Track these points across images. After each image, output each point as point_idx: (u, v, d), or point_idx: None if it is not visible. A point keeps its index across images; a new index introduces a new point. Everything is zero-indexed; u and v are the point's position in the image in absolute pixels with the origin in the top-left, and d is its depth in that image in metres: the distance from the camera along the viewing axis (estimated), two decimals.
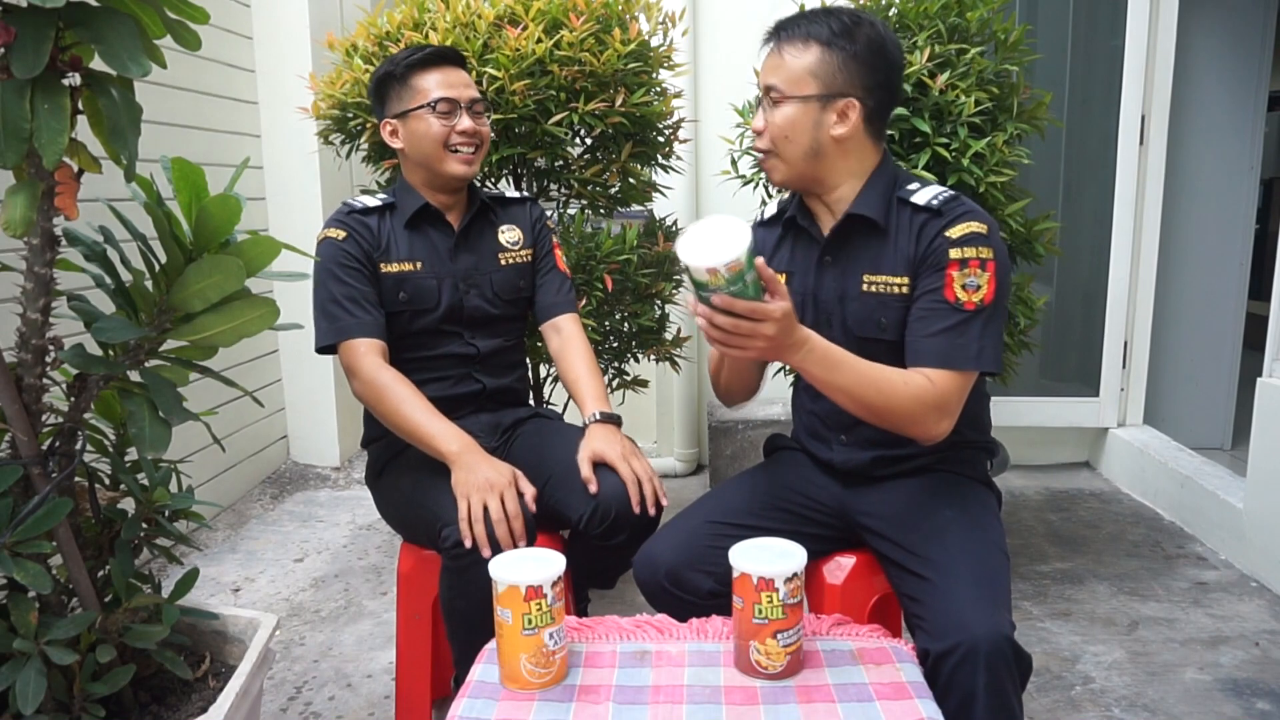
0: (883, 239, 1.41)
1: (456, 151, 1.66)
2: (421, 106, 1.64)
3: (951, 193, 1.39)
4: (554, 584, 1.14)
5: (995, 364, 1.34)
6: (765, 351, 1.21)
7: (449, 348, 1.73)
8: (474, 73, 1.95)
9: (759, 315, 1.17)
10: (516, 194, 1.87)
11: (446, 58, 1.67)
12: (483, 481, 1.43)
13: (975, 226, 1.34)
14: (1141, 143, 3.21)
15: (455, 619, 1.49)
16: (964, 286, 1.32)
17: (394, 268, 1.68)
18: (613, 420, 1.64)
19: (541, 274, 1.84)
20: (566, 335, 1.79)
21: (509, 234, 1.81)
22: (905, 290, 1.38)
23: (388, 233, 1.70)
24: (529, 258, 1.83)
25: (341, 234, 1.66)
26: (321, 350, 1.63)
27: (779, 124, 1.38)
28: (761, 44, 1.42)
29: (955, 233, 1.34)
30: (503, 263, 1.78)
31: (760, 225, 1.60)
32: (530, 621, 1.12)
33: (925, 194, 1.39)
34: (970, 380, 1.34)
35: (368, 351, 1.59)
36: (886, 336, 1.40)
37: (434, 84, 1.64)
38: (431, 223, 1.73)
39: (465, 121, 1.65)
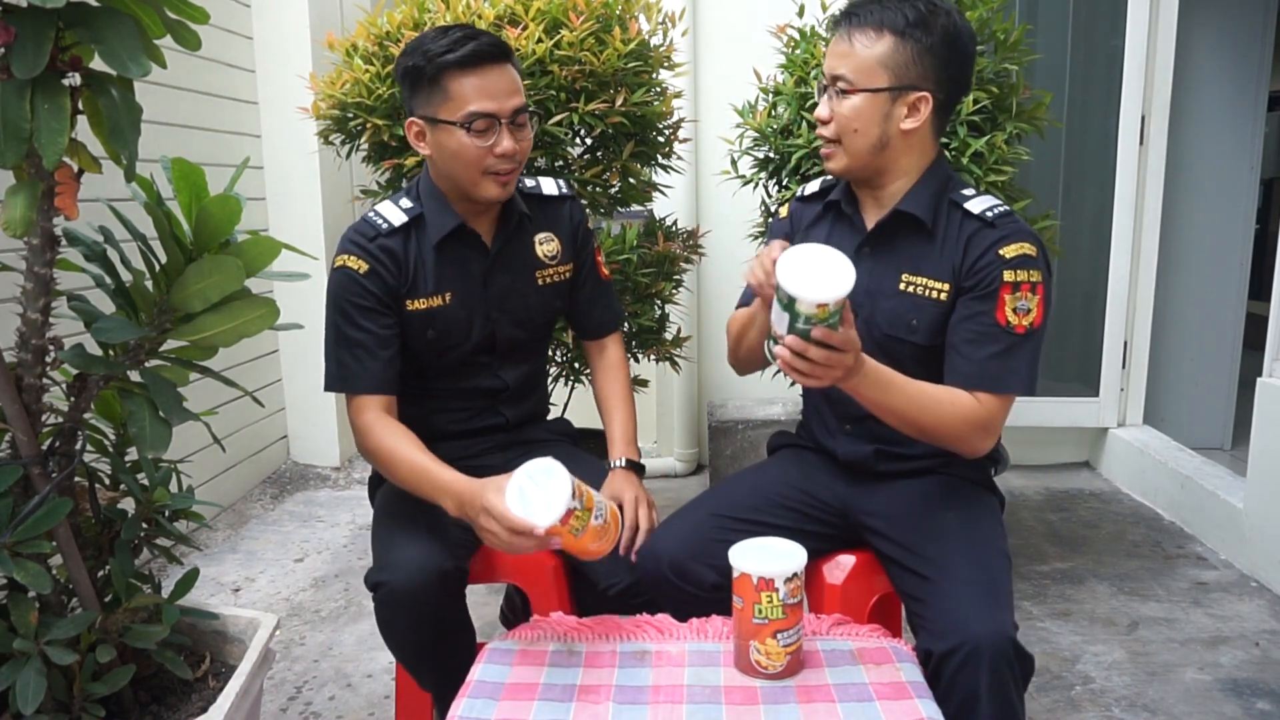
0: (928, 240, 1.39)
1: (494, 173, 1.44)
2: (453, 122, 1.40)
3: (1006, 207, 1.38)
4: (572, 498, 1.13)
5: (1034, 387, 1.35)
6: (838, 379, 1.19)
7: (476, 381, 1.60)
8: None
9: (847, 346, 1.15)
10: (555, 190, 1.65)
11: (490, 56, 1.40)
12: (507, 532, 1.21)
13: (1027, 248, 1.34)
14: (1141, 143, 3.21)
15: (397, 655, 1.46)
16: (1015, 310, 1.33)
17: (421, 304, 1.50)
18: (637, 469, 1.59)
19: (586, 289, 1.68)
20: (609, 356, 1.71)
21: (547, 245, 1.61)
22: (944, 297, 1.37)
23: (414, 259, 1.50)
24: (568, 274, 1.65)
25: (364, 266, 1.45)
26: (331, 391, 1.53)
27: (847, 115, 1.34)
28: (829, 28, 1.38)
29: (1008, 252, 1.33)
30: (540, 283, 1.60)
31: (799, 200, 1.58)
32: (576, 530, 1.16)
33: (980, 203, 1.38)
34: (1013, 400, 1.36)
35: (373, 407, 1.46)
36: (915, 339, 1.38)
37: (471, 92, 1.38)
38: (464, 240, 1.54)
39: (505, 142, 1.41)
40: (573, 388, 2.42)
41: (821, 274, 1.10)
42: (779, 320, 1.14)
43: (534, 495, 1.17)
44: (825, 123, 1.38)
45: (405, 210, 1.52)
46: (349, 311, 1.46)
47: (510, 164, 1.44)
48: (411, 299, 1.50)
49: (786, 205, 1.61)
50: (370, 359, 1.46)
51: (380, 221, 1.50)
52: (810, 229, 1.53)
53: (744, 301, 1.59)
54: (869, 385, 1.25)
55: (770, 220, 1.64)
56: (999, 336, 1.33)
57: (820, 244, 1.15)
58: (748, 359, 1.54)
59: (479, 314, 1.55)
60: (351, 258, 1.46)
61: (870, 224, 1.44)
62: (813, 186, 1.57)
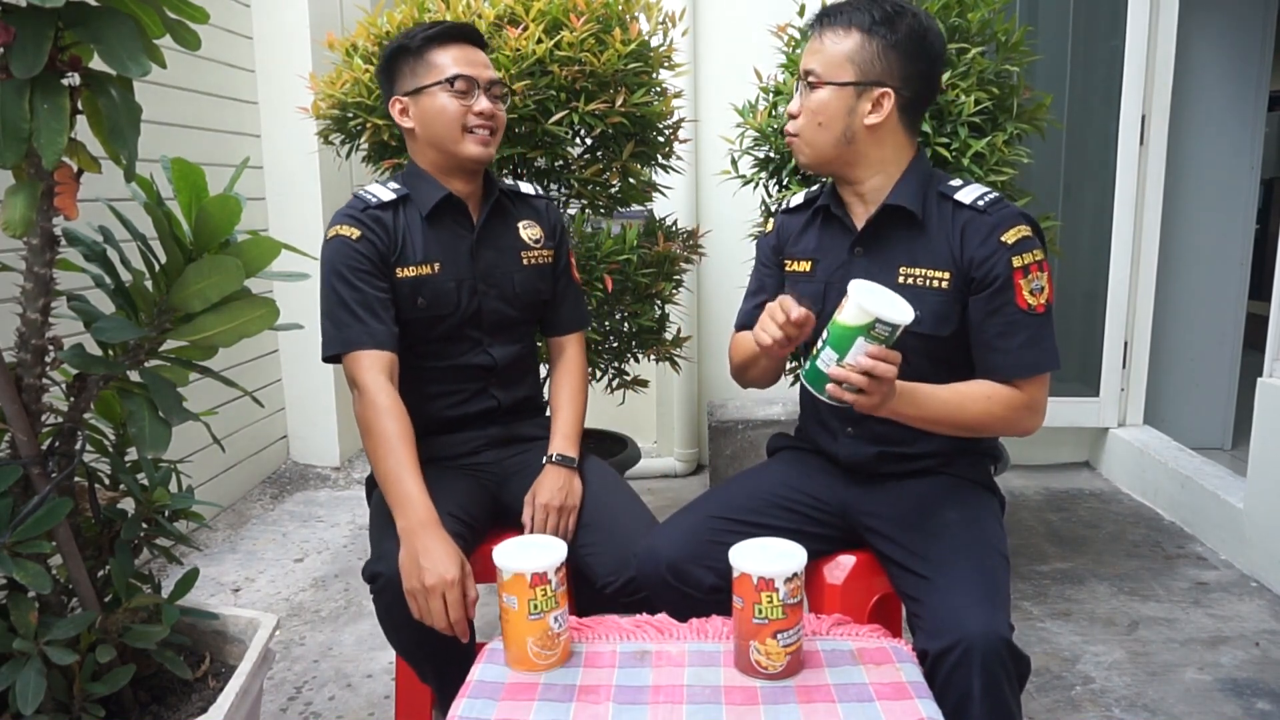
0: (920, 232, 1.41)
1: (473, 133, 1.54)
2: (437, 84, 1.52)
3: (996, 193, 1.41)
4: (557, 570, 1.18)
5: (1059, 357, 1.40)
6: (885, 398, 1.22)
7: (466, 358, 1.63)
8: None
9: (895, 361, 1.20)
10: (533, 191, 1.77)
11: (466, 35, 1.57)
12: (432, 581, 1.28)
13: (1024, 230, 1.37)
14: (1141, 143, 3.21)
15: (396, 646, 1.47)
16: (1031, 292, 1.36)
17: (410, 272, 1.56)
18: (569, 464, 1.60)
19: (560, 283, 1.75)
20: (568, 358, 1.75)
21: (530, 230, 1.70)
22: (945, 285, 1.39)
23: (403, 230, 1.57)
24: (550, 259, 1.72)
25: (355, 232, 1.52)
26: (328, 359, 1.53)
27: (813, 108, 1.39)
28: (806, 29, 1.45)
29: (1010, 238, 1.36)
30: (525, 262, 1.68)
31: (785, 213, 1.61)
32: (536, 606, 1.16)
33: (970, 192, 1.40)
34: (1049, 376, 1.40)
35: (373, 366, 1.47)
36: (919, 330, 1.38)
37: (451, 60, 1.53)
38: (451, 214, 1.61)
39: (483, 103, 1.54)
40: None
41: (889, 300, 1.19)
42: (848, 349, 1.18)
43: (529, 547, 1.22)
44: (794, 116, 1.43)
45: (394, 190, 1.60)
46: (344, 274, 1.51)
47: (488, 124, 1.55)
48: (401, 267, 1.56)
49: (772, 220, 1.63)
50: (369, 316, 1.50)
51: (370, 196, 1.59)
52: (799, 238, 1.55)
53: (744, 324, 1.62)
54: (905, 403, 1.29)
55: (759, 235, 1.66)
56: (1025, 322, 1.36)
57: (859, 279, 1.21)
58: (755, 380, 1.57)
59: (466, 286, 1.61)
60: (344, 227, 1.54)
61: (860, 224, 1.46)
62: (797, 199, 1.60)
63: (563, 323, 1.76)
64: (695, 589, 1.39)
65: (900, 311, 1.17)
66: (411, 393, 1.57)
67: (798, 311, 1.26)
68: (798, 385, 1.82)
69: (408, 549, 1.33)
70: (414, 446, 1.44)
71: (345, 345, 1.50)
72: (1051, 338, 1.38)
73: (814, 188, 1.59)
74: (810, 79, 1.39)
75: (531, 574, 1.16)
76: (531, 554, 1.18)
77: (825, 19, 1.39)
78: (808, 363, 1.23)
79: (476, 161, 1.57)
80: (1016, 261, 1.35)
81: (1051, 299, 1.38)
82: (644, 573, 1.43)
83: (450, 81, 1.52)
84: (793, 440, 1.66)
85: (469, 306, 1.61)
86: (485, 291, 1.63)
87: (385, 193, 1.59)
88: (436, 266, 1.58)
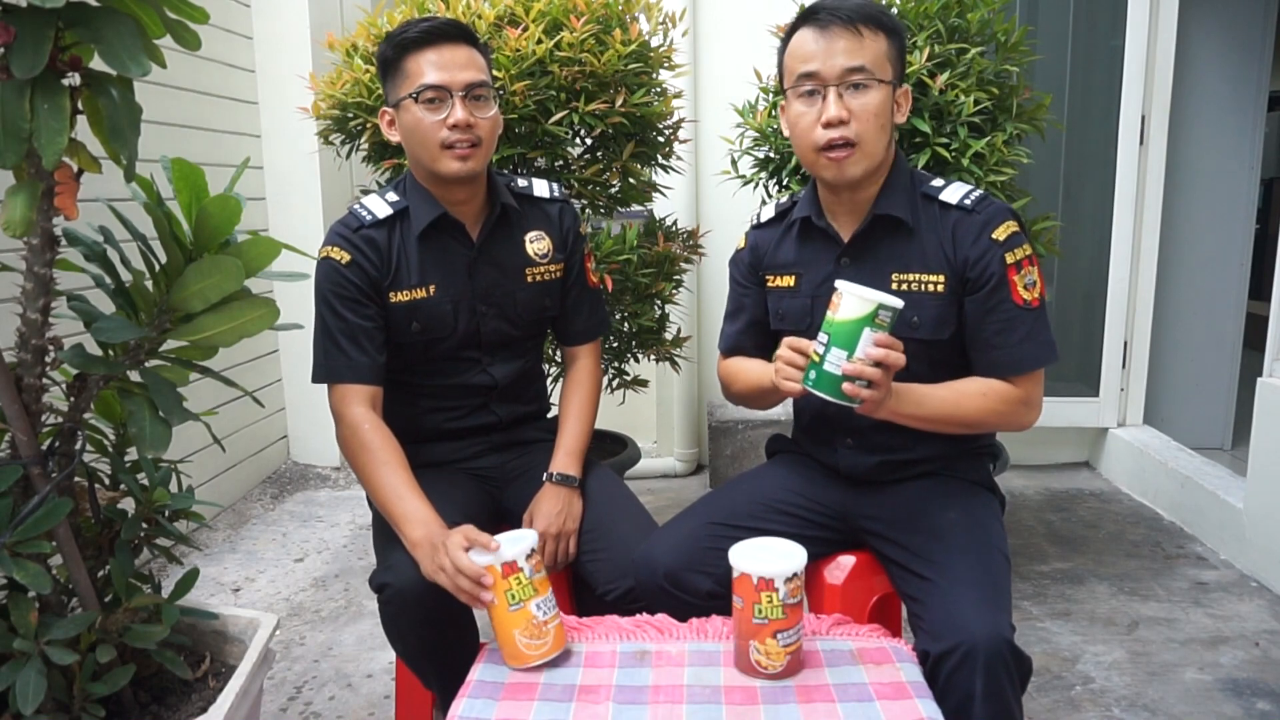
0: (910, 237, 1.40)
1: (451, 148, 1.43)
2: (408, 96, 1.42)
3: (979, 191, 1.40)
4: (528, 556, 1.18)
5: (1057, 349, 1.40)
6: (886, 396, 1.22)
7: (464, 377, 1.58)
8: None
9: (900, 349, 1.20)
10: (547, 193, 1.65)
11: (444, 34, 1.43)
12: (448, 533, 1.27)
13: (1013, 225, 1.37)
14: (1141, 143, 3.21)
15: (401, 654, 1.46)
16: (1025, 287, 1.36)
17: (404, 296, 1.50)
18: (569, 483, 1.56)
19: (572, 294, 1.66)
20: (580, 368, 1.69)
21: (538, 243, 1.60)
22: (941, 288, 1.38)
23: (398, 250, 1.50)
24: (559, 274, 1.63)
25: (345, 257, 1.47)
26: (317, 382, 1.52)
27: (874, 109, 1.30)
28: (818, 25, 1.32)
29: (1000, 234, 1.35)
30: (529, 279, 1.59)
31: (756, 228, 1.58)
32: (514, 596, 1.17)
33: (954, 192, 1.39)
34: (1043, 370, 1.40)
35: (355, 399, 1.45)
36: (918, 335, 1.39)
37: (424, 67, 1.41)
38: (448, 231, 1.53)
39: (457, 113, 1.41)
40: None
41: (876, 293, 1.20)
42: (855, 343, 1.18)
43: (502, 540, 1.22)
44: (842, 123, 1.31)
45: (391, 204, 1.53)
46: (332, 302, 1.48)
47: (465, 136, 1.43)
48: (395, 290, 1.51)
49: (745, 238, 1.59)
50: (355, 349, 1.47)
51: (364, 213, 1.52)
52: (776, 251, 1.52)
53: (731, 348, 1.60)
54: (906, 403, 1.29)
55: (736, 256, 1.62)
56: (1022, 318, 1.36)
57: (842, 280, 1.22)
58: (765, 407, 1.56)
59: (464, 307, 1.55)
60: (334, 249, 1.49)
61: (846, 233, 1.44)
62: (768, 212, 1.57)
63: (576, 334, 1.69)
64: (693, 596, 1.39)
65: (892, 297, 1.19)
66: (408, 406, 1.56)
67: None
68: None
69: (427, 550, 1.28)
70: (406, 465, 1.41)
71: (327, 376, 1.48)
72: (1047, 330, 1.37)
73: (784, 199, 1.56)
74: (859, 78, 1.30)
75: (502, 564, 1.17)
76: (501, 547, 1.20)
77: (858, 16, 1.31)
78: (813, 371, 1.21)
79: (454, 178, 1.47)
80: (1009, 258, 1.35)
81: (1044, 292, 1.38)
82: (641, 581, 1.43)
83: (415, 95, 1.41)
84: (791, 443, 1.65)
85: (467, 328, 1.55)
86: (485, 312, 1.56)
87: (382, 207, 1.52)
88: (432, 289, 1.52)
